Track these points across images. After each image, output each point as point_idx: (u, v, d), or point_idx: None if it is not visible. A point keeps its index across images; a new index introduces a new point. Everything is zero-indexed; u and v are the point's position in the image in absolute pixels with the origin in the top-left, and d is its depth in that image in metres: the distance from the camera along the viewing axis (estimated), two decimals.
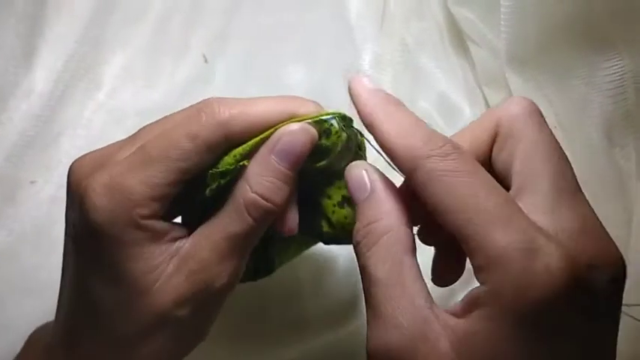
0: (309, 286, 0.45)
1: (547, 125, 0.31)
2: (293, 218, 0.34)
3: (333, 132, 0.33)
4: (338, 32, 0.53)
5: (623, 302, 0.29)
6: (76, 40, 0.53)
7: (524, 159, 0.30)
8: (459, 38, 0.53)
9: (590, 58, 0.46)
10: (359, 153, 0.35)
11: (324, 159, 0.34)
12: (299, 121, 0.33)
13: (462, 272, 0.35)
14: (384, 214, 0.30)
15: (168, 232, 0.32)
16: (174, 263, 0.32)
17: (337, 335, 0.44)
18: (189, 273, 0.32)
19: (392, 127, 0.30)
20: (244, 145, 0.32)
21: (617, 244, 0.29)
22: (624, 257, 0.28)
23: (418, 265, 0.29)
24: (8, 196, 0.49)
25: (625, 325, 0.32)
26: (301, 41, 0.54)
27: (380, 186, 0.31)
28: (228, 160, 0.32)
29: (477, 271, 0.27)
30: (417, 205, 0.30)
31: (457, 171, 0.28)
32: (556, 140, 0.30)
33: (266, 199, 0.32)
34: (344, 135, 0.34)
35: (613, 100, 0.46)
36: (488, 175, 0.28)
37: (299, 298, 0.45)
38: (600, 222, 0.29)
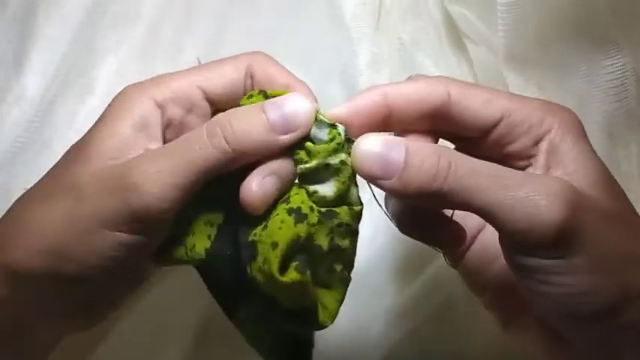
0: None
1: None
2: (262, 191, 0.33)
3: (335, 140, 0.33)
4: (333, 32, 0.53)
5: None
6: (68, 44, 0.52)
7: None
8: (456, 36, 0.52)
9: (591, 55, 0.45)
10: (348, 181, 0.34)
11: (311, 161, 0.33)
12: None
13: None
14: (431, 155, 0.32)
15: (155, 145, 0.34)
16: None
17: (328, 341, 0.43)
18: (116, 163, 0.33)
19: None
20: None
21: None
22: None
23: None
24: (0, 204, 0.48)
25: None
26: (296, 42, 0.53)
27: (410, 143, 0.33)
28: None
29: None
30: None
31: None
32: None
33: (230, 124, 0.33)
34: (341, 154, 0.33)
35: (614, 98, 0.45)
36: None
37: None
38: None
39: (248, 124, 0.33)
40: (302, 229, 0.33)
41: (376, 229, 0.49)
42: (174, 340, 0.47)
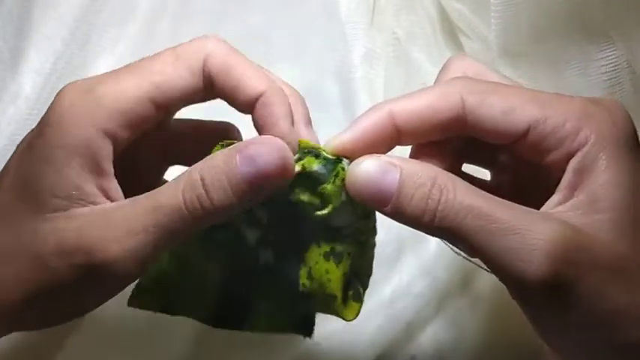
0: None
1: None
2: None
3: (339, 176, 0.31)
4: (328, 28, 0.53)
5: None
6: (64, 42, 0.52)
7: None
8: (450, 31, 0.52)
9: (584, 48, 0.45)
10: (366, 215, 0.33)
11: (326, 207, 0.32)
12: (307, 149, 0.32)
13: None
14: (424, 184, 0.29)
15: (108, 181, 0.31)
16: (81, 214, 0.30)
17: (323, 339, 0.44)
18: (81, 225, 0.30)
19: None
20: None
21: None
22: None
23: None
24: None
25: None
26: (291, 39, 0.53)
27: (406, 166, 0.30)
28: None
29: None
30: None
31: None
32: None
33: (206, 191, 0.29)
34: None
35: (609, 91, 0.45)
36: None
37: None
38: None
39: (224, 192, 0.29)
40: (345, 265, 0.33)
41: None
42: (174, 336, 0.47)
